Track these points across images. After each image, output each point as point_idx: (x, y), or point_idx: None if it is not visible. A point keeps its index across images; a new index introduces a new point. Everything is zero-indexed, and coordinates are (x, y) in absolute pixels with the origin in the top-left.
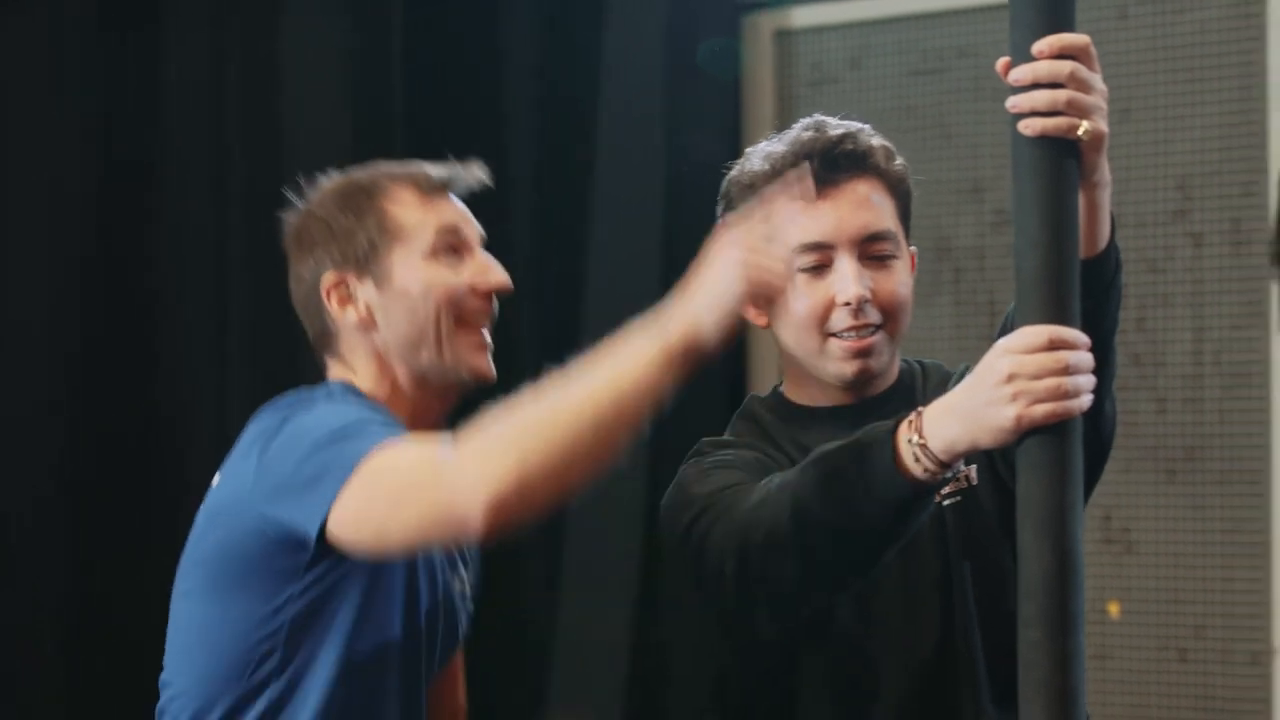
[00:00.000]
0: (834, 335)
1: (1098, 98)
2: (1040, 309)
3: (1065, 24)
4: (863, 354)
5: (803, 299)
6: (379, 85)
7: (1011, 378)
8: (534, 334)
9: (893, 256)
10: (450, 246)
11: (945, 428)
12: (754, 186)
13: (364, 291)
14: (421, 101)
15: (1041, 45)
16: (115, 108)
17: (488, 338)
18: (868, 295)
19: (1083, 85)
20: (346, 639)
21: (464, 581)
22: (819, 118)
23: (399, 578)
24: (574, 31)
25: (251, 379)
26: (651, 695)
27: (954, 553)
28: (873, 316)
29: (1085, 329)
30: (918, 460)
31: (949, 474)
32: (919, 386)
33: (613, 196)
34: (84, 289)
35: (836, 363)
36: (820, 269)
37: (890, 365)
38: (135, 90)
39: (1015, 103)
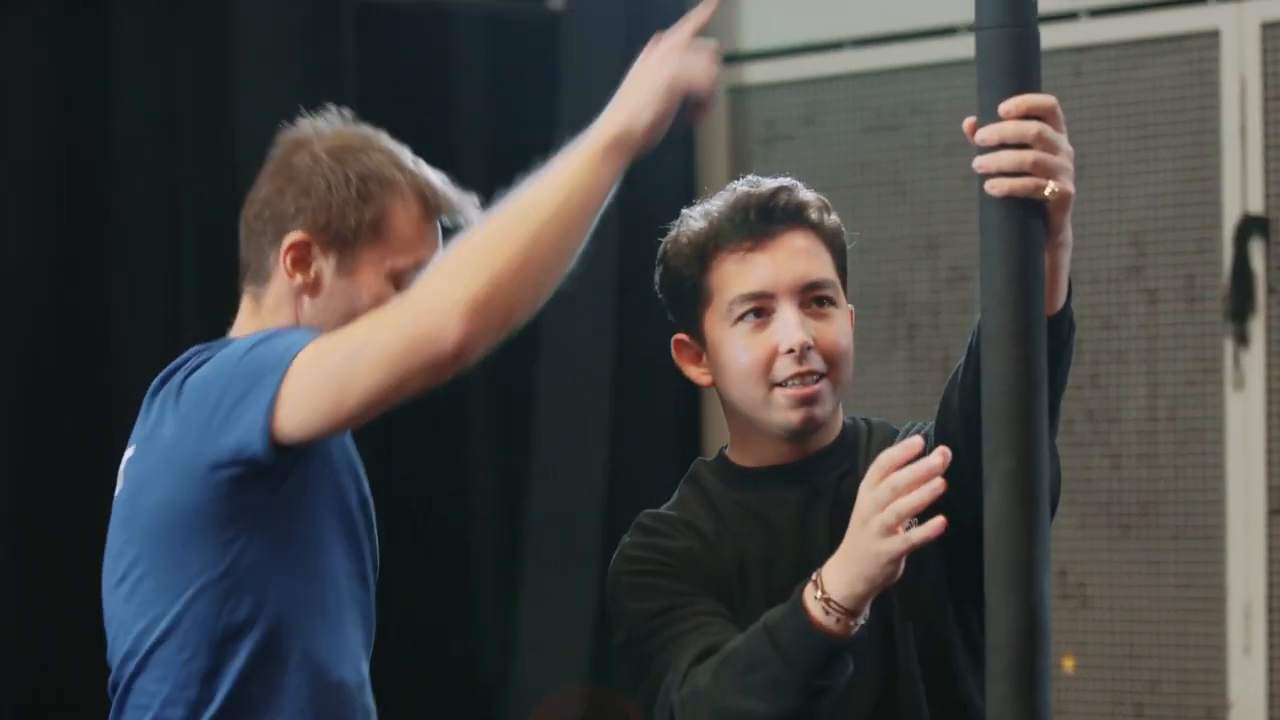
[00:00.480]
0: (779, 385)
1: (1064, 158)
2: (1004, 367)
3: (1032, 85)
4: (807, 402)
5: (745, 350)
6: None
7: (865, 519)
8: (486, 373)
9: (833, 304)
10: (412, 277)
11: (839, 576)
12: (692, 243)
13: (324, 265)
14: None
15: (1008, 106)
16: (64, 108)
17: None
18: (810, 341)
19: (1049, 146)
20: (304, 558)
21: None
22: (753, 176)
23: (332, 481)
24: (527, 84)
25: None
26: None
27: (898, 612)
28: (816, 364)
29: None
30: (827, 614)
31: (861, 620)
32: (862, 443)
33: None
34: (33, 289)
35: (782, 412)
36: (762, 319)
37: (834, 418)
38: (85, 92)
39: (982, 163)
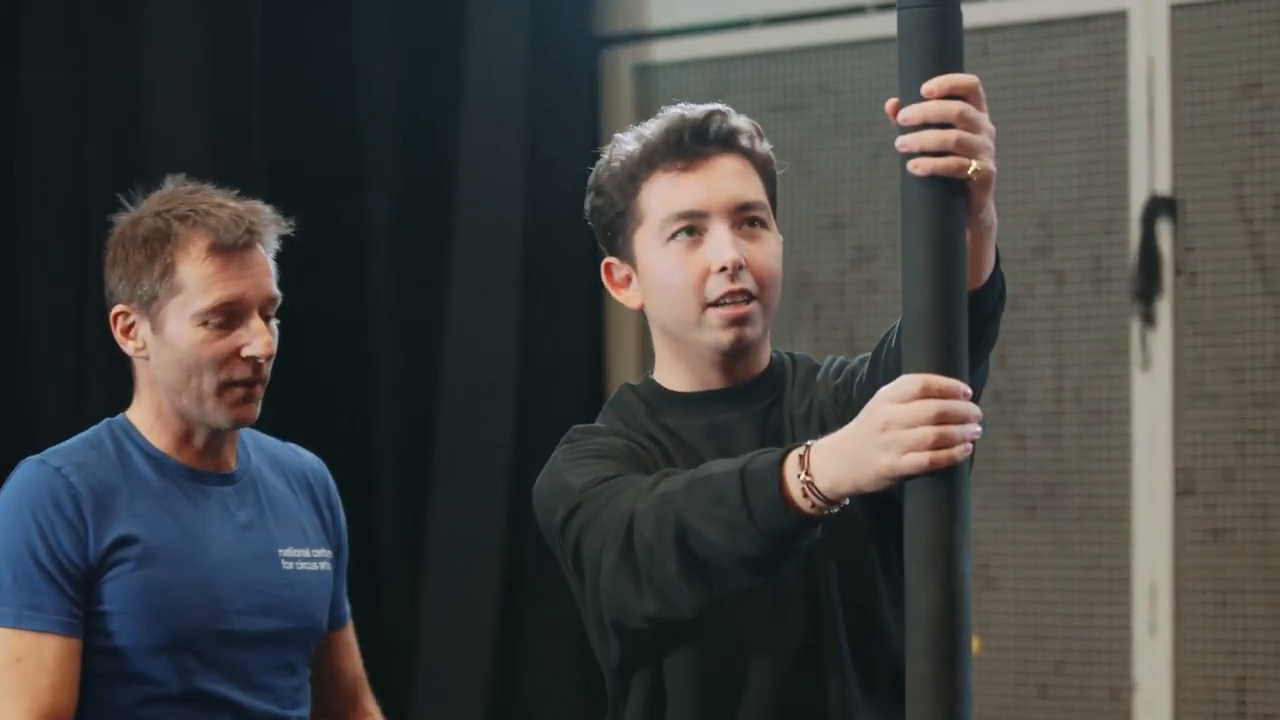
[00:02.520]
0: (711, 305)
1: (986, 137)
2: (927, 346)
3: (954, 65)
4: (739, 321)
5: (678, 269)
6: (238, 103)
7: (886, 426)
8: (394, 364)
9: (764, 227)
10: (224, 313)
11: (830, 467)
12: (625, 167)
13: (143, 329)
14: (279, 128)
15: (931, 86)
16: None
17: (255, 391)
18: (742, 261)
19: (971, 125)
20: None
21: (315, 558)
22: (684, 104)
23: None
24: (433, 65)
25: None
26: (513, 692)
27: (820, 551)
28: (748, 283)
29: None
30: (805, 496)
31: (835, 509)
32: (789, 376)
33: (471, 231)
34: None
35: (714, 332)
36: (694, 238)
37: (762, 345)
38: None
39: (905, 142)
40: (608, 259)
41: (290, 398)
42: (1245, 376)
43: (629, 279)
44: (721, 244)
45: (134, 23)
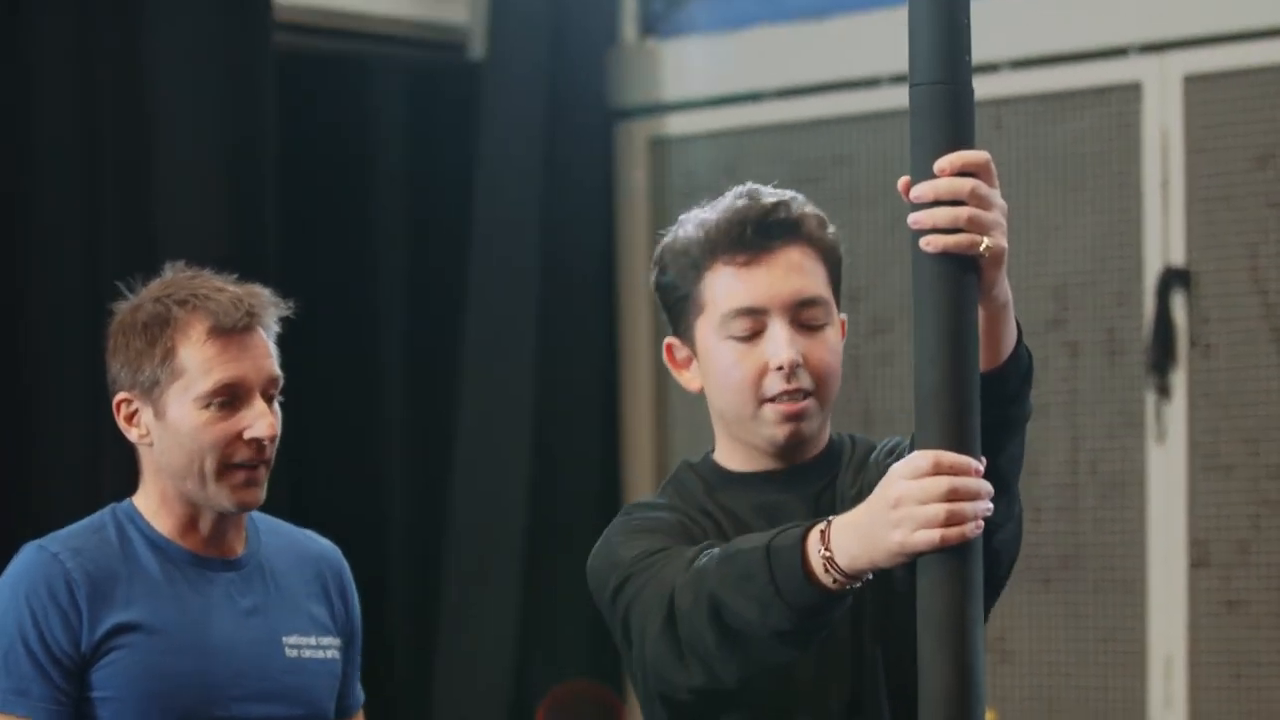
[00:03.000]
0: (768, 400)
1: (997, 214)
2: (939, 423)
3: (965, 141)
4: (795, 418)
5: (736, 365)
6: (250, 183)
7: (898, 503)
8: (407, 444)
9: (824, 324)
10: (226, 395)
11: (848, 543)
12: (688, 253)
13: (145, 415)
14: (292, 207)
15: (943, 163)
16: None
17: (259, 474)
18: (799, 360)
19: (983, 202)
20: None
21: (318, 644)
22: (752, 185)
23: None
24: (448, 137)
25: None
26: None
27: (868, 633)
28: (804, 382)
29: (989, 442)
30: (827, 571)
31: (858, 584)
32: (846, 457)
33: (487, 301)
34: None
35: (770, 427)
36: (753, 335)
37: (821, 432)
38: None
39: (917, 219)
40: (670, 339)
41: (304, 481)
42: (1260, 448)
43: (690, 361)
44: (779, 343)
45: (144, 84)
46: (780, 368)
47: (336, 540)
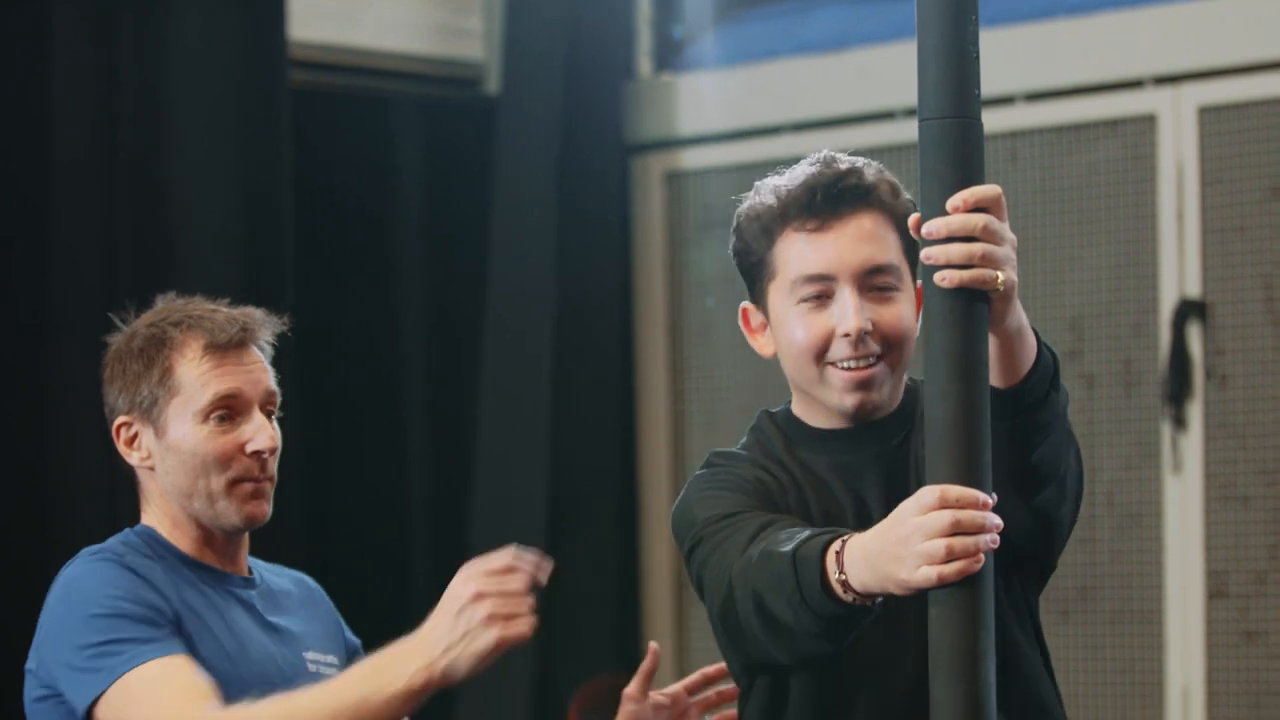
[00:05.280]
0: (834, 365)
1: (1008, 248)
2: (948, 457)
3: (975, 176)
4: (863, 385)
5: (803, 330)
6: (268, 213)
7: (904, 538)
8: (426, 477)
9: (894, 289)
10: (225, 408)
11: (860, 571)
12: (760, 219)
13: (146, 438)
14: (310, 238)
15: (956, 200)
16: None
17: (263, 487)
18: (868, 327)
19: (995, 237)
20: None
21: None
22: (828, 152)
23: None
24: (464, 171)
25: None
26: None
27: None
28: (873, 348)
29: (1022, 443)
30: (845, 592)
31: (880, 600)
32: (919, 411)
33: (505, 334)
34: None
35: (837, 393)
36: (822, 300)
37: (895, 394)
38: (22, 205)
39: (930, 255)
40: (744, 304)
41: (326, 509)
42: (1276, 479)
43: (764, 327)
44: (847, 309)
45: (162, 119)
46: (847, 334)
47: (357, 562)
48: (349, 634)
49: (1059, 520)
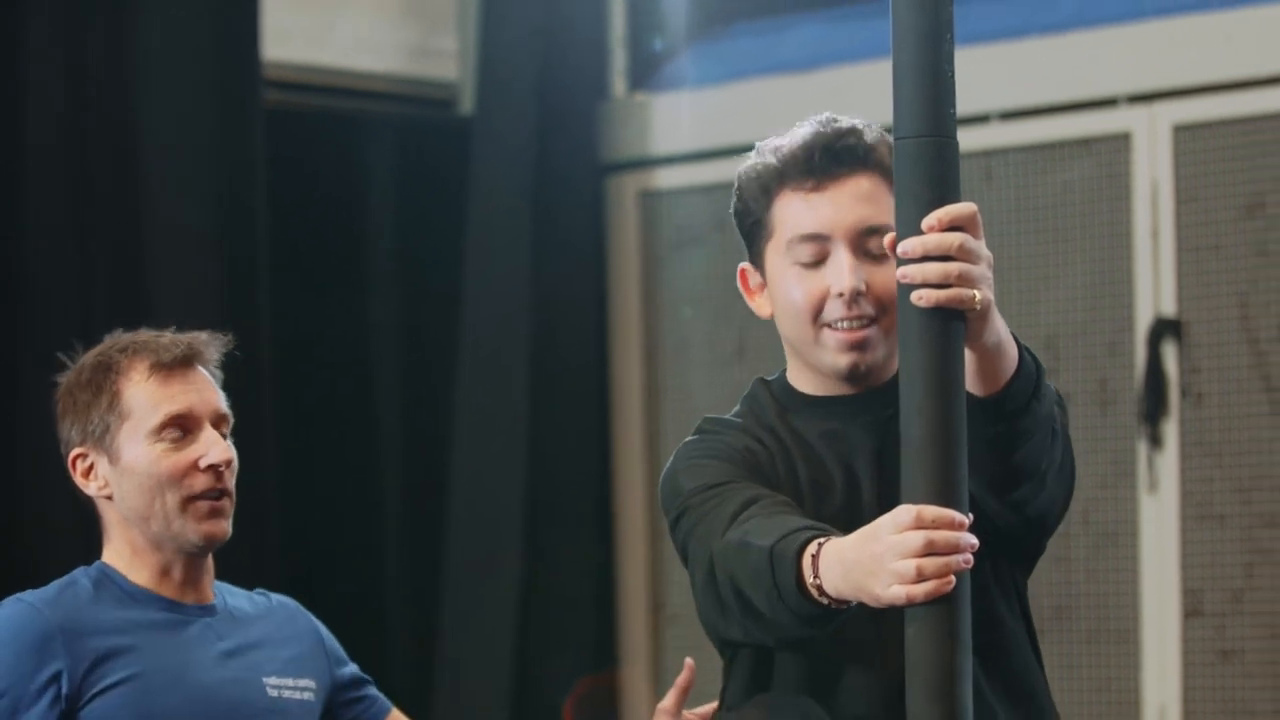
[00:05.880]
0: (828, 326)
1: (984, 267)
2: (925, 476)
3: (951, 194)
4: (857, 346)
5: (798, 289)
6: (242, 238)
7: (879, 555)
8: (400, 501)
9: (889, 253)
10: (176, 427)
11: (835, 579)
12: (759, 178)
13: (102, 466)
14: (283, 262)
15: (931, 219)
16: None
17: (222, 505)
18: (862, 287)
19: (971, 256)
20: None
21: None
22: (830, 114)
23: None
24: (439, 193)
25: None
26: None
27: None
28: (867, 309)
29: (1003, 447)
30: (820, 594)
31: (854, 603)
32: None
33: (480, 354)
34: None
35: (831, 354)
36: (818, 261)
37: (890, 360)
38: None
39: (907, 274)
40: (743, 265)
41: (301, 526)
42: (1252, 497)
43: (762, 288)
44: (841, 269)
45: (135, 139)
46: (841, 294)
47: (334, 576)
48: (343, 663)
49: (1041, 514)
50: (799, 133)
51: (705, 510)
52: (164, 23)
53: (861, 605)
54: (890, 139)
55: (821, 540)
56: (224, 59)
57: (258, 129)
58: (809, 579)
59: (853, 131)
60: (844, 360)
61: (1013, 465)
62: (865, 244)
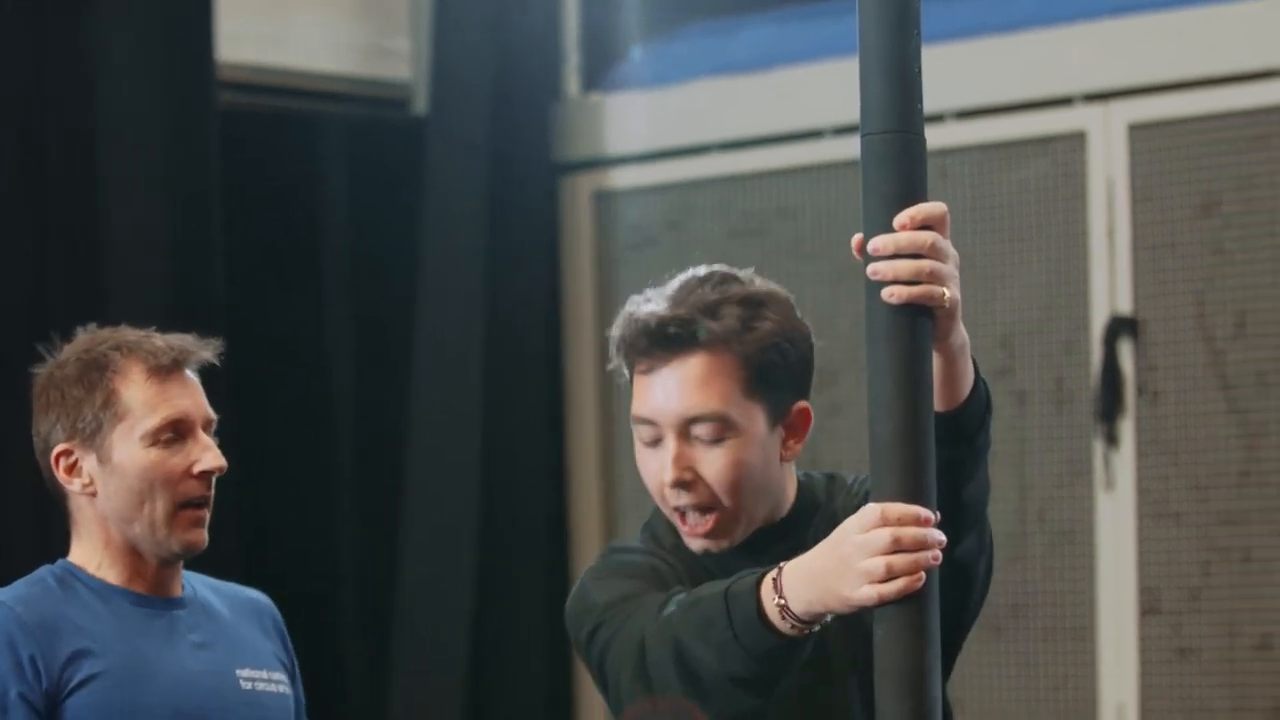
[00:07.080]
0: (675, 509)
1: (952, 265)
2: (893, 475)
3: (918, 191)
4: (704, 535)
5: (644, 468)
6: (196, 237)
7: (846, 556)
8: (356, 490)
9: (721, 438)
10: (172, 430)
11: (802, 591)
12: (620, 350)
13: (88, 463)
14: (238, 262)
15: (903, 217)
16: None
17: (204, 515)
18: (685, 477)
19: (940, 254)
20: None
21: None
22: (712, 269)
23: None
24: (393, 193)
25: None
26: None
27: (839, 679)
28: (700, 496)
29: (956, 476)
30: (783, 618)
31: (816, 627)
32: (823, 504)
33: (433, 353)
34: None
35: (689, 539)
36: (655, 441)
37: (749, 527)
38: None
39: (878, 271)
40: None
41: (255, 527)
42: (1209, 495)
43: None
44: (665, 460)
45: (89, 137)
46: (667, 483)
47: (286, 580)
48: (295, 681)
49: (976, 575)
50: (652, 302)
51: (625, 615)
52: (119, 25)
53: (807, 674)
54: (752, 308)
55: (781, 565)
56: (179, 61)
57: (213, 130)
58: (771, 601)
59: (675, 319)
60: (697, 545)
61: (962, 503)
62: (691, 431)
